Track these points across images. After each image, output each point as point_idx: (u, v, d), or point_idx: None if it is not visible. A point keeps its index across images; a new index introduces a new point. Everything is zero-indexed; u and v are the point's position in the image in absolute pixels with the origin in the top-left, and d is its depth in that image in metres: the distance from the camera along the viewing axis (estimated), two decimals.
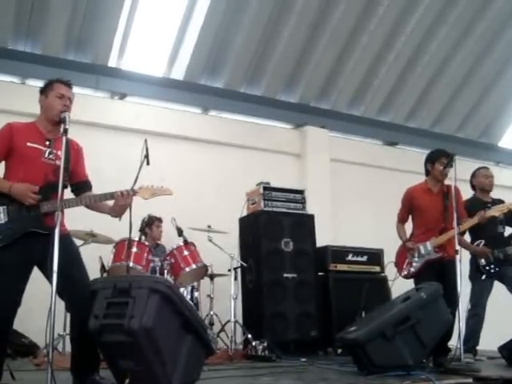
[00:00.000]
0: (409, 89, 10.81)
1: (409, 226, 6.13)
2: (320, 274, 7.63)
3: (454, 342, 5.27)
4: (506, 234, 6.64)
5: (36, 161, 3.93)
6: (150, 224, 7.34)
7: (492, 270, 6.30)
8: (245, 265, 7.11)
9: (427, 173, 5.98)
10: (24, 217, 3.84)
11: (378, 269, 7.91)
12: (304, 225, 7.55)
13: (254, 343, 6.45)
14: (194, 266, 6.53)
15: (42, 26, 8.00)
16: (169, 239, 7.28)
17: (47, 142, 4.00)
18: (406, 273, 5.95)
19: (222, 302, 7.13)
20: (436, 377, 4.62)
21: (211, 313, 7.15)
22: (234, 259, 7.03)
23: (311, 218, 7.67)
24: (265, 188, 7.51)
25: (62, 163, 3.67)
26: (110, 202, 4.14)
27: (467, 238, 6.43)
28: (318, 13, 9.20)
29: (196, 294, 6.98)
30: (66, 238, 3.79)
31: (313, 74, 9.98)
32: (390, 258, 6.59)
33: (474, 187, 6.78)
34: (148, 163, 4.56)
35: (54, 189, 3.72)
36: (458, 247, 5.29)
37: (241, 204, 7.66)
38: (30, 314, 5.52)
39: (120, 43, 8.58)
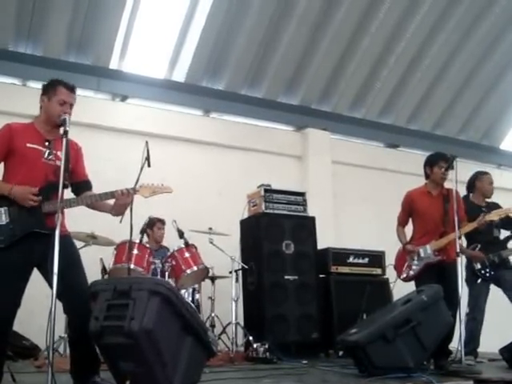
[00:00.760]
0: (410, 91, 10.81)
1: (409, 229, 6.12)
2: (321, 276, 7.63)
3: (455, 345, 5.29)
4: (502, 237, 6.67)
5: (36, 161, 3.93)
6: (152, 225, 7.33)
7: (487, 274, 6.33)
8: (246, 267, 7.11)
9: (427, 176, 5.97)
10: (25, 217, 3.84)
11: (379, 271, 7.91)
12: (305, 227, 7.55)
13: (255, 345, 6.45)
14: (195, 268, 6.54)
15: (43, 27, 8.01)
16: (170, 241, 7.27)
17: (46, 143, 3.99)
18: (405, 276, 5.95)
19: (223, 304, 7.13)
20: (437, 379, 4.61)
21: (212, 315, 7.16)
22: (235, 261, 7.04)
23: (312, 220, 7.66)
24: (266, 190, 7.50)
25: (62, 164, 3.67)
26: (111, 201, 4.14)
27: (463, 241, 6.42)
28: (320, 15, 9.21)
29: (197, 295, 6.99)
30: (66, 239, 3.78)
31: (314, 77, 9.98)
32: (391, 260, 6.58)
33: (470, 189, 6.77)
34: (149, 165, 4.56)
35: (55, 189, 3.73)
36: (458, 250, 5.30)
37: (242, 206, 7.67)
38: (31, 316, 5.53)
39: (121, 45, 8.59)
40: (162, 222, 7.50)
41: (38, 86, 4.52)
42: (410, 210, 6.02)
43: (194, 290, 6.95)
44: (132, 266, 6.11)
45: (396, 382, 4.58)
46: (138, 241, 6.43)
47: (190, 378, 3.84)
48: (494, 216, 5.77)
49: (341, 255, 7.78)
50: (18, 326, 3.93)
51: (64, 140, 3.73)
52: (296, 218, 7.55)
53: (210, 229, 7.09)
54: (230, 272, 7.04)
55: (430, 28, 9.93)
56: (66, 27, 8.09)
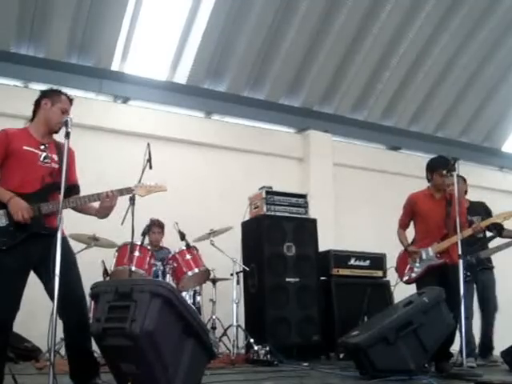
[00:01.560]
0: (412, 93, 10.81)
1: (411, 232, 6.11)
2: (322, 278, 7.62)
3: (456, 347, 5.29)
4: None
5: (33, 164, 3.95)
6: (150, 228, 7.31)
7: (466, 277, 6.32)
8: (247, 269, 7.11)
9: (429, 179, 5.96)
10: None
11: (380, 273, 7.90)
12: (306, 229, 7.55)
13: (256, 347, 6.44)
14: (196, 270, 6.55)
15: (45, 29, 8.02)
16: (171, 243, 7.27)
17: (42, 147, 4.02)
18: (407, 278, 5.94)
19: (225, 306, 7.13)
20: (438, 381, 4.62)
21: (213, 317, 7.16)
22: (236, 263, 7.04)
23: (314, 222, 7.67)
24: (267, 192, 7.50)
25: (64, 165, 3.71)
26: (96, 204, 4.14)
27: None
28: (321, 18, 9.21)
29: (198, 298, 7.00)
30: (63, 240, 3.79)
31: (316, 79, 9.98)
32: (392, 262, 6.57)
33: None
34: (150, 167, 4.58)
35: (51, 191, 3.83)
36: (460, 252, 5.30)
37: (243, 208, 7.67)
38: (32, 318, 5.54)
39: (123, 47, 8.60)
40: (160, 225, 7.47)
41: (40, 87, 4.53)
42: (411, 212, 6.00)
43: (195, 292, 6.96)
44: (133, 268, 6.11)
45: None
46: (139, 243, 6.43)
47: (191, 380, 3.84)
48: (498, 218, 5.82)
49: (342, 257, 7.78)
50: (19, 328, 3.95)
51: (66, 141, 3.75)
52: (297, 220, 7.55)
53: (211, 230, 7.09)
54: (231, 274, 7.05)
55: (431, 30, 9.93)
56: (68, 29, 8.09)
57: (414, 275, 5.84)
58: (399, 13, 9.50)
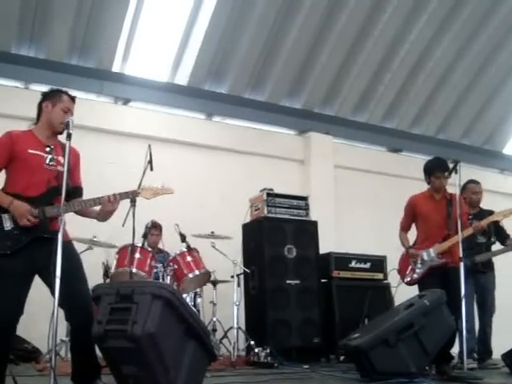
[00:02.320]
0: (413, 96, 10.81)
1: (412, 234, 6.11)
2: (323, 280, 7.61)
3: (456, 350, 5.28)
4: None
5: (38, 167, 3.93)
6: (149, 230, 7.29)
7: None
8: (248, 271, 7.11)
9: (428, 182, 5.97)
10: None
11: (380, 276, 7.89)
12: (307, 231, 7.55)
13: (256, 350, 6.44)
14: (196, 272, 6.54)
15: (46, 30, 8.01)
16: (172, 245, 7.26)
17: (47, 149, 4.00)
18: (409, 279, 5.95)
19: (225, 309, 7.11)
20: None
21: (214, 319, 7.15)
22: (236, 265, 7.03)
23: (314, 224, 7.66)
24: (268, 194, 7.50)
25: (65, 169, 3.70)
26: (97, 208, 4.13)
27: None
28: (323, 19, 9.21)
29: (199, 300, 6.98)
30: (67, 245, 3.79)
31: (317, 80, 9.98)
32: (393, 264, 6.57)
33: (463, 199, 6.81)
34: (151, 169, 4.56)
35: (57, 194, 3.76)
36: (461, 254, 5.30)
37: (244, 210, 7.67)
38: (33, 320, 5.51)
39: (124, 48, 8.60)
40: (157, 227, 7.44)
41: (40, 88, 4.53)
42: (412, 214, 6.02)
43: (195, 294, 6.95)
44: (134, 270, 6.10)
45: None
46: (140, 245, 6.42)
47: (192, 382, 3.84)
48: (498, 216, 5.89)
49: (343, 260, 7.77)
50: (19, 329, 3.92)
51: (67, 142, 3.75)
52: (298, 223, 7.54)
53: (212, 233, 7.08)
54: (232, 276, 7.04)
55: (433, 32, 9.93)
56: (69, 30, 8.08)
57: (415, 276, 5.85)
58: (400, 15, 9.50)
